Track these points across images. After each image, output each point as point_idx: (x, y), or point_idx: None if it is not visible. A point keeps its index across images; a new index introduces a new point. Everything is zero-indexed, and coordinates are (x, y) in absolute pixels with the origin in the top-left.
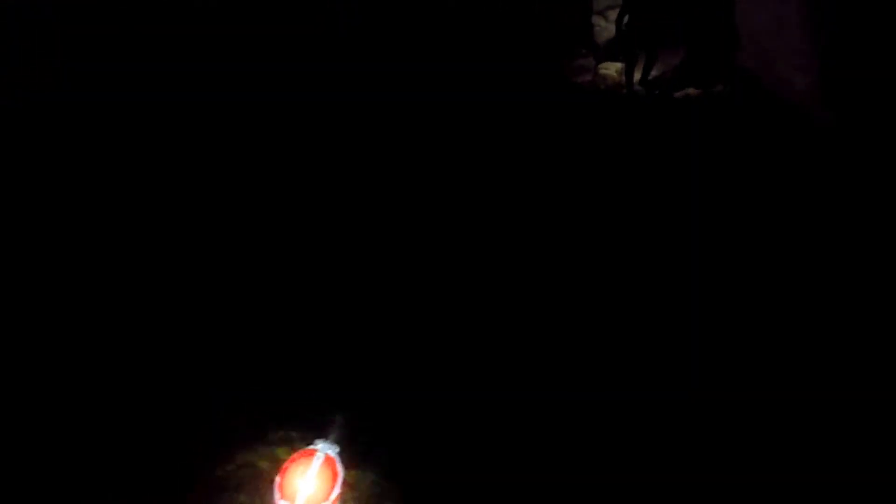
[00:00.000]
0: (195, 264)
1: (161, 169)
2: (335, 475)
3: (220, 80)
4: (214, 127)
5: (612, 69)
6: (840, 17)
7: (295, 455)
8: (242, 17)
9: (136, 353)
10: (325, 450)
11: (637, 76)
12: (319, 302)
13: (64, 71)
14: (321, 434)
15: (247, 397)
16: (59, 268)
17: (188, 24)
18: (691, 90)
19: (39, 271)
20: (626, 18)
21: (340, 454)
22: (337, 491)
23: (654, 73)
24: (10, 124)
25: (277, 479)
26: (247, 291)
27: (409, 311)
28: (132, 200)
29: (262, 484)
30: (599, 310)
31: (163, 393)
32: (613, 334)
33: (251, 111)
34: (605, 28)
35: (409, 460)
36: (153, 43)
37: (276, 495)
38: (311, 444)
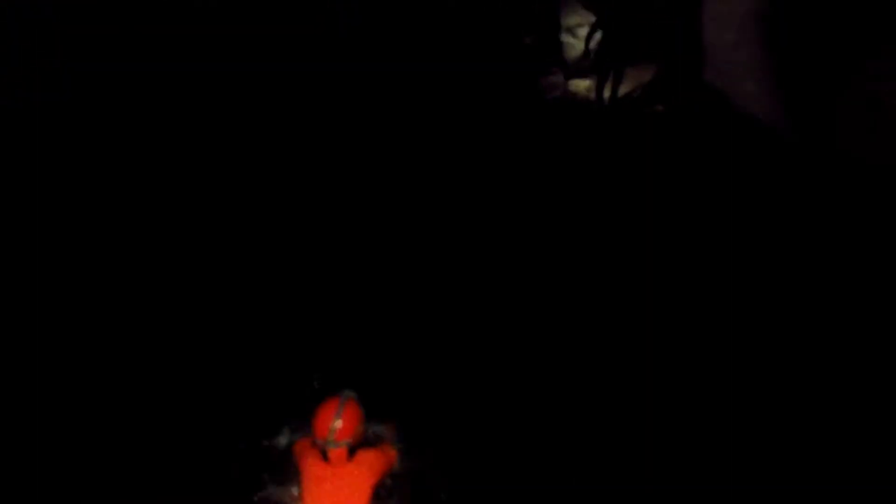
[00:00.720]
0: (194, 265)
1: (160, 169)
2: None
3: (220, 80)
4: (214, 127)
5: (581, 86)
6: (793, 28)
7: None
8: (242, 17)
9: (135, 353)
10: (348, 395)
11: (607, 93)
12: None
13: (64, 71)
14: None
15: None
16: (58, 267)
17: (188, 24)
18: (660, 107)
19: (39, 271)
20: (595, 36)
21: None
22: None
23: (623, 90)
24: (10, 124)
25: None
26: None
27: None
28: (132, 200)
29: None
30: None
31: (163, 393)
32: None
33: (251, 111)
34: (575, 45)
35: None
36: (153, 43)
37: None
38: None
